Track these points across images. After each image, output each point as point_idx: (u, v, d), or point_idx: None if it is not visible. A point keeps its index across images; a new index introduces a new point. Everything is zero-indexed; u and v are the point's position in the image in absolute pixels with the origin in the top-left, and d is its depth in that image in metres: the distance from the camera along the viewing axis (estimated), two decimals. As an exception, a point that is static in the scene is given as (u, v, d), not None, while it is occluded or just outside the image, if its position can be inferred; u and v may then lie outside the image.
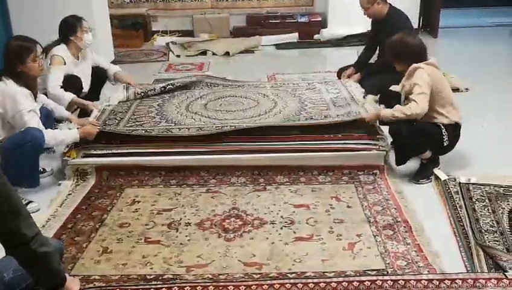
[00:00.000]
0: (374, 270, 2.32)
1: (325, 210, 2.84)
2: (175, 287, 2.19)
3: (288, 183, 3.14)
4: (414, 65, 3.07)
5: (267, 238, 2.60)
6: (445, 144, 3.07)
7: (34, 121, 2.94)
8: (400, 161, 3.16)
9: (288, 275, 2.30)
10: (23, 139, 2.87)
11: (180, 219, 2.78)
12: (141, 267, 2.38)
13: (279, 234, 2.63)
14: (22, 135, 2.89)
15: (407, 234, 2.59)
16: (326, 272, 2.31)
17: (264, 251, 2.49)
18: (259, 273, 2.32)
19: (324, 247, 2.52)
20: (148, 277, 2.31)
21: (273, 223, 2.72)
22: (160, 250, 2.52)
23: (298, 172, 3.22)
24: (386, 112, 3.14)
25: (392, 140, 3.24)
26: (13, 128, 2.98)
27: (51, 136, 3.01)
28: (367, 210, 2.83)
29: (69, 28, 3.84)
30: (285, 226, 2.69)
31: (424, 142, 3.08)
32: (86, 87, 4.00)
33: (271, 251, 2.49)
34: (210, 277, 2.30)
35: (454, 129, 3.10)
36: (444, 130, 3.05)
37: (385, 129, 3.32)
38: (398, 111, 3.04)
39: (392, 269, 2.32)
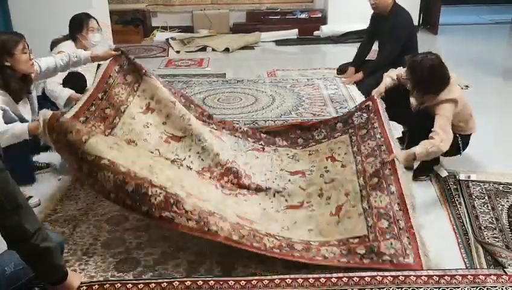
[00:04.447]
0: (356, 237, 2.35)
1: (320, 175, 2.86)
2: (164, 283, 2.19)
3: (287, 147, 3.14)
4: (443, 98, 2.87)
5: (260, 203, 2.68)
6: (461, 153, 3.10)
7: None
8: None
9: (276, 236, 2.37)
10: None
11: (184, 159, 2.79)
12: (147, 174, 2.36)
13: (271, 202, 2.71)
14: None
15: (392, 178, 2.53)
16: (311, 241, 2.38)
17: (256, 213, 2.58)
18: (250, 227, 2.35)
19: (312, 214, 2.59)
20: (154, 182, 2.30)
21: (267, 190, 2.78)
22: (164, 168, 2.55)
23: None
24: (421, 152, 2.77)
25: (409, 127, 3.22)
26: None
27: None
28: (360, 165, 2.77)
29: (76, 26, 3.81)
30: (278, 192, 2.75)
31: None
32: (89, 84, 3.99)
33: (261, 217, 2.57)
34: (206, 211, 2.31)
35: (468, 137, 3.12)
36: (459, 139, 3.05)
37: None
38: (432, 147, 2.76)
39: (373, 235, 2.33)
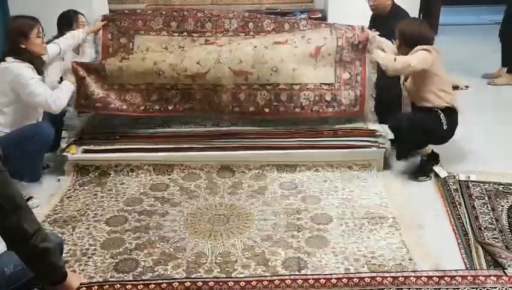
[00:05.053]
0: (326, 84, 3.26)
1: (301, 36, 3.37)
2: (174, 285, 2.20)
3: (274, 32, 3.52)
4: (420, 47, 3.00)
5: (251, 43, 3.30)
6: (444, 128, 3.02)
7: (40, 88, 2.87)
8: (401, 156, 3.16)
9: (267, 86, 3.24)
10: (31, 132, 2.85)
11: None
12: (156, 77, 3.25)
13: (261, 38, 3.35)
14: (31, 127, 2.88)
15: (363, 35, 3.25)
16: (294, 84, 3.23)
17: (248, 56, 3.22)
18: (246, 84, 3.24)
19: (295, 52, 3.23)
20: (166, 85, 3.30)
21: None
22: (167, 56, 3.29)
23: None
24: (379, 54, 3.16)
25: (393, 135, 3.23)
26: (26, 116, 2.95)
27: (61, 94, 2.99)
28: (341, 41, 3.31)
29: (65, 23, 3.79)
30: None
31: (425, 136, 3.05)
32: None
33: (253, 57, 3.22)
34: (210, 87, 3.25)
35: (452, 114, 3.06)
36: (442, 115, 3.01)
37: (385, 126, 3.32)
38: (389, 60, 3.03)
39: (338, 84, 3.25)
